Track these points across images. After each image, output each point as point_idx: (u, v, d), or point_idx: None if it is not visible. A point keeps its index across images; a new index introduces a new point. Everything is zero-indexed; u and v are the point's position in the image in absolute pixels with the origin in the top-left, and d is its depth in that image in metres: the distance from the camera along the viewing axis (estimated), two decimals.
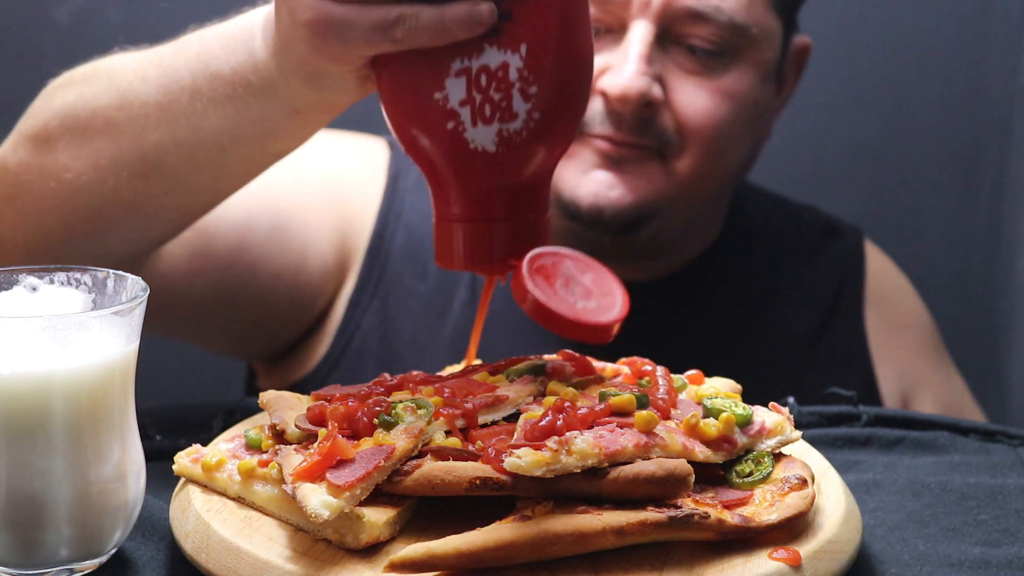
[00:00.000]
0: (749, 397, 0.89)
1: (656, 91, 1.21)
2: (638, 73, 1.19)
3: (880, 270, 1.46)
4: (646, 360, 0.92)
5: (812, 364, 1.38)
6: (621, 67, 1.20)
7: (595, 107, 1.22)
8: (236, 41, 1.00)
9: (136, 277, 0.81)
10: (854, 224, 1.49)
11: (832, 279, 1.43)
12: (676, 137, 1.23)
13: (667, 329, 1.36)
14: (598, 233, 1.27)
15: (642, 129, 1.22)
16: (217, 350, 1.41)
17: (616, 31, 1.23)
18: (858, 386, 1.29)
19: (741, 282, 1.40)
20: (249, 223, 1.27)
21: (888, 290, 1.46)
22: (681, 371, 0.92)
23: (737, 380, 0.95)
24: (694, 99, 1.23)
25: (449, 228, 0.90)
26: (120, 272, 0.81)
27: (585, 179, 1.24)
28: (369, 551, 0.75)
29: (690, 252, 1.39)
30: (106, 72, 1.08)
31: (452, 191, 0.89)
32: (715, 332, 1.38)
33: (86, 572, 0.79)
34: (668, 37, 1.23)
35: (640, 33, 1.20)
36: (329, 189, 1.36)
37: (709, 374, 0.94)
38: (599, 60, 1.09)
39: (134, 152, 1.04)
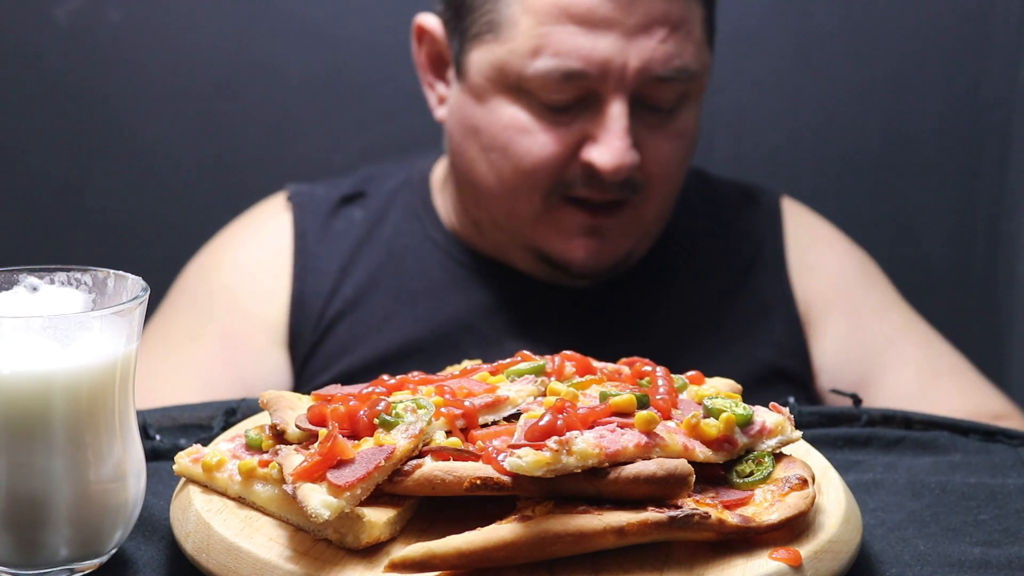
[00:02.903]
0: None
1: (638, 157, 1.31)
2: (627, 148, 1.30)
3: (800, 224, 1.53)
4: (646, 360, 0.92)
5: (732, 315, 1.46)
6: (609, 142, 1.30)
7: (575, 172, 1.32)
8: None
9: (136, 277, 0.80)
10: (771, 187, 1.57)
11: (752, 241, 1.51)
12: (643, 183, 1.34)
13: (602, 301, 1.44)
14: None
15: (621, 186, 1.32)
16: None
17: (590, 101, 1.31)
18: (784, 331, 1.44)
19: (666, 256, 1.48)
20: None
21: (810, 239, 1.52)
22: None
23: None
24: (659, 149, 1.34)
25: None
26: (120, 272, 0.81)
27: (571, 245, 1.36)
28: (369, 551, 0.75)
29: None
30: None
31: None
32: (642, 303, 1.46)
33: (86, 572, 0.79)
34: (636, 103, 1.32)
35: (620, 108, 1.31)
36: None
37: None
38: (576, 128, 1.28)
39: None
